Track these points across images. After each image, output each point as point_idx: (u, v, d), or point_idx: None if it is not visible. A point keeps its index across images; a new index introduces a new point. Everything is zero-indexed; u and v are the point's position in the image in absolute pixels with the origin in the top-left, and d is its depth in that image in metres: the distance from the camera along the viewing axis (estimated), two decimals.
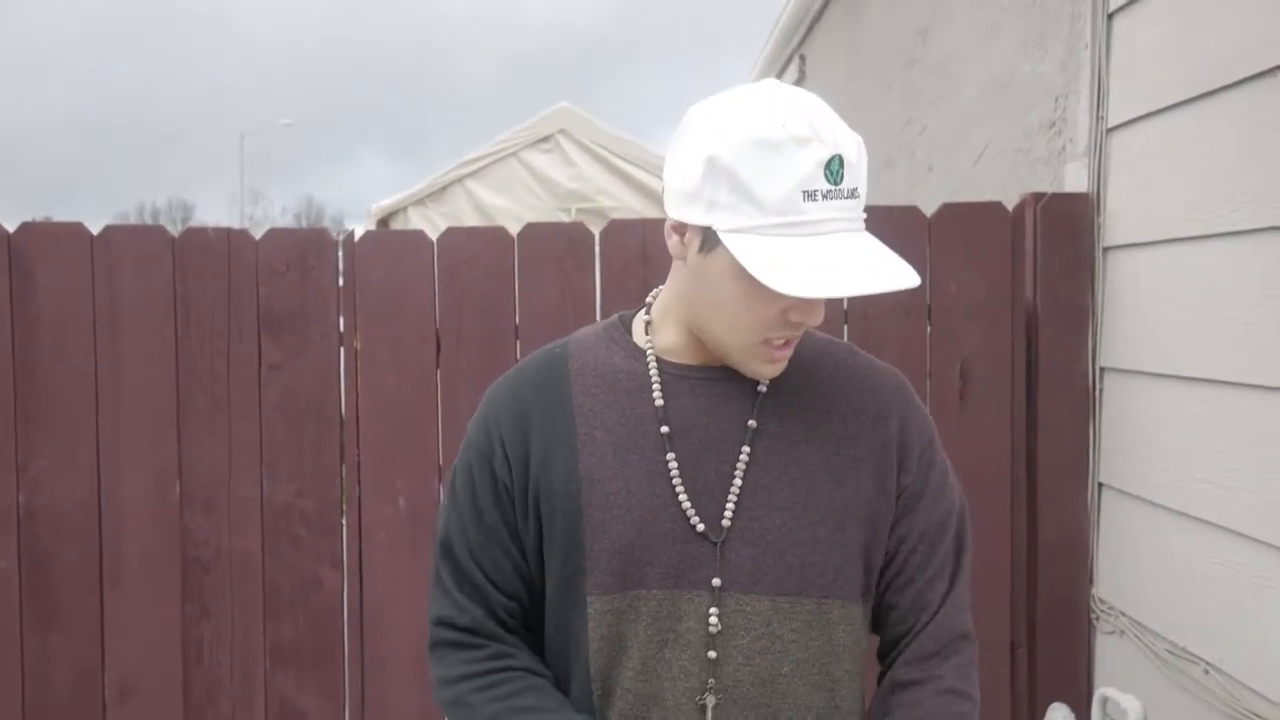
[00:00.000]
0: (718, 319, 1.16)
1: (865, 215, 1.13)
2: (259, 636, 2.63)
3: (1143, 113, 2.37)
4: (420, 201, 8.11)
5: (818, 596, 1.17)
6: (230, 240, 2.60)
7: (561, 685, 1.22)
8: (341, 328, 2.63)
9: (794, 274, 1.05)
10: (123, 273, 2.57)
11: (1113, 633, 2.53)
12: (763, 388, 1.21)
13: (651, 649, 1.16)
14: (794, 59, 7.27)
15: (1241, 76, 1.99)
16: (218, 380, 2.59)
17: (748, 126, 1.08)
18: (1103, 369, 2.60)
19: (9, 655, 2.57)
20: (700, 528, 1.15)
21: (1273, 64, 1.89)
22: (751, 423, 1.19)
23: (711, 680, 1.15)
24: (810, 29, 6.74)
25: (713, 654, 1.15)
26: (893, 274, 1.09)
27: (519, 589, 1.23)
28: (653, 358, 1.23)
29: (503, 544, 1.22)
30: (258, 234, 2.64)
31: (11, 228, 2.58)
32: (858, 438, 1.21)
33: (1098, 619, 2.61)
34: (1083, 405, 2.63)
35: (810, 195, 1.06)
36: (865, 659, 1.27)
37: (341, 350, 2.64)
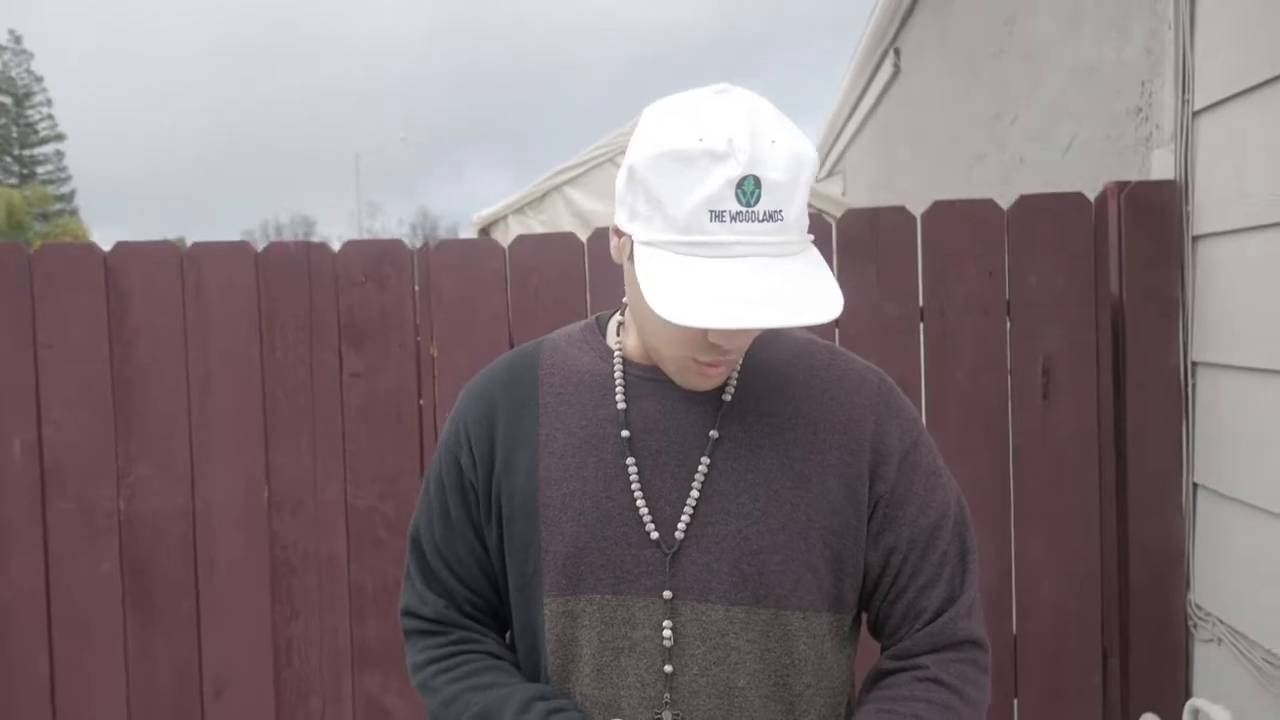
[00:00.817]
0: (648, 329, 1.13)
1: (804, 238, 1.05)
2: (346, 637, 2.69)
3: (1230, 94, 2.27)
4: (520, 210, 8.20)
5: (774, 606, 1.11)
6: (310, 253, 2.68)
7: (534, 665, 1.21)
8: (418, 335, 2.68)
9: (681, 299, 0.99)
10: (210, 287, 2.66)
11: (1210, 640, 2.43)
12: (728, 395, 1.17)
13: (607, 656, 1.13)
14: (889, 54, 7.14)
15: None
16: (301, 389, 2.67)
17: (666, 136, 1.03)
18: (1195, 363, 2.49)
19: (114, 652, 2.69)
20: (654, 535, 1.12)
21: None
22: (713, 433, 1.14)
23: (667, 695, 1.12)
24: (904, 22, 6.62)
25: (668, 668, 1.12)
26: (798, 308, 0.99)
27: (483, 584, 1.24)
28: (619, 359, 1.20)
29: (467, 541, 1.23)
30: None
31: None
32: (827, 443, 1.15)
33: (1195, 626, 2.50)
34: (1174, 402, 2.52)
35: (718, 216, 1.00)
36: (849, 676, 1.22)
37: (419, 357, 2.69)
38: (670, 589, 1.12)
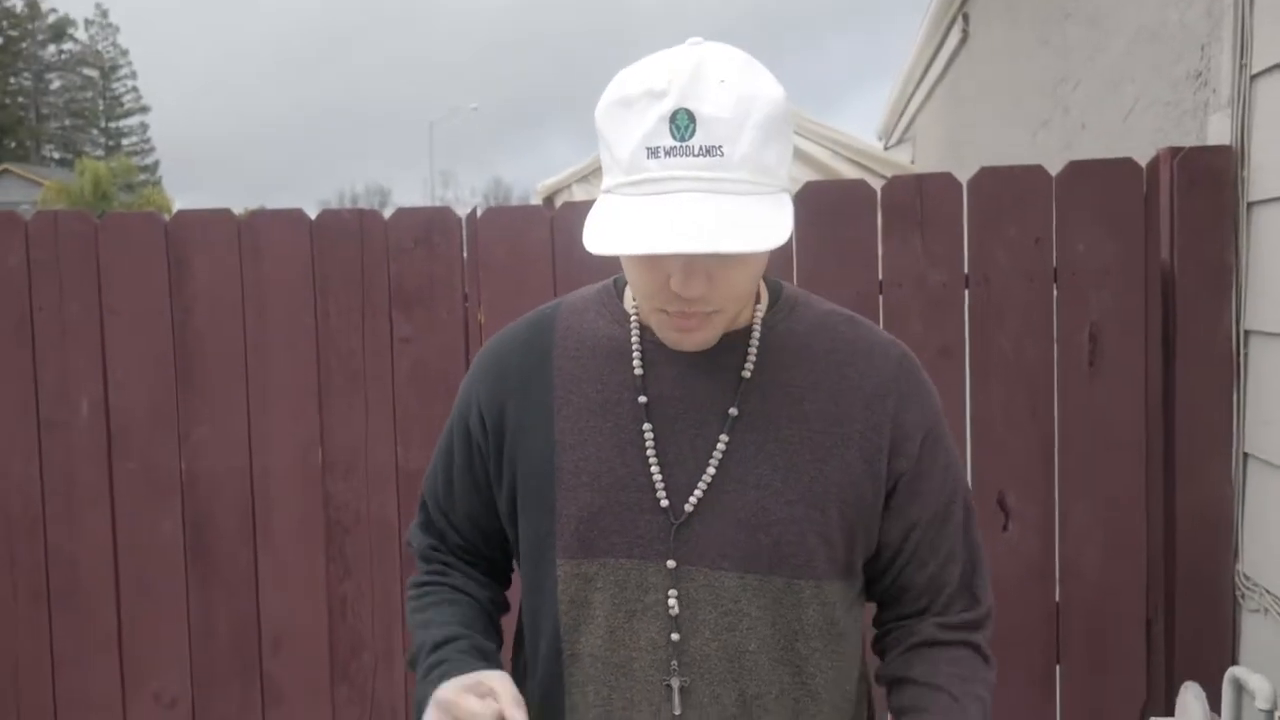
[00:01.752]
0: (630, 284, 1.16)
1: (759, 180, 1.03)
2: (397, 594, 2.77)
3: None
4: (584, 178, 8.24)
5: (788, 576, 1.12)
6: (363, 220, 2.74)
7: (533, 643, 1.23)
8: (466, 302, 2.73)
9: (606, 232, 1.01)
10: (267, 255, 2.74)
11: (1257, 610, 2.40)
12: (747, 371, 1.16)
13: (620, 618, 1.14)
14: (958, 18, 7.02)
15: None
16: (353, 354, 2.74)
17: (618, 85, 1.05)
18: (1247, 332, 2.44)
19: (177, 607, 2.80)
20: (664, 504, 1.13)
21: None
22: (733, 410, 1.14)
23: (675, 663, 1.13)
24: None
25: (675, 635, 1.13)
26: (715, 236, 0.98)
27: (475, 538, 1.32)
28: (636, 324, 1.20)
29: (466, 501, 1.29)
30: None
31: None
32: (849, 415, 1.15)
33: (1242, 596, 2.47)
34: (1225, 371, 2.48)
35: (653, 152, 1.01)
36: (858, 638, 1.24)
37: (467, 323, 2.74)
38: (675, 558, 1.13)
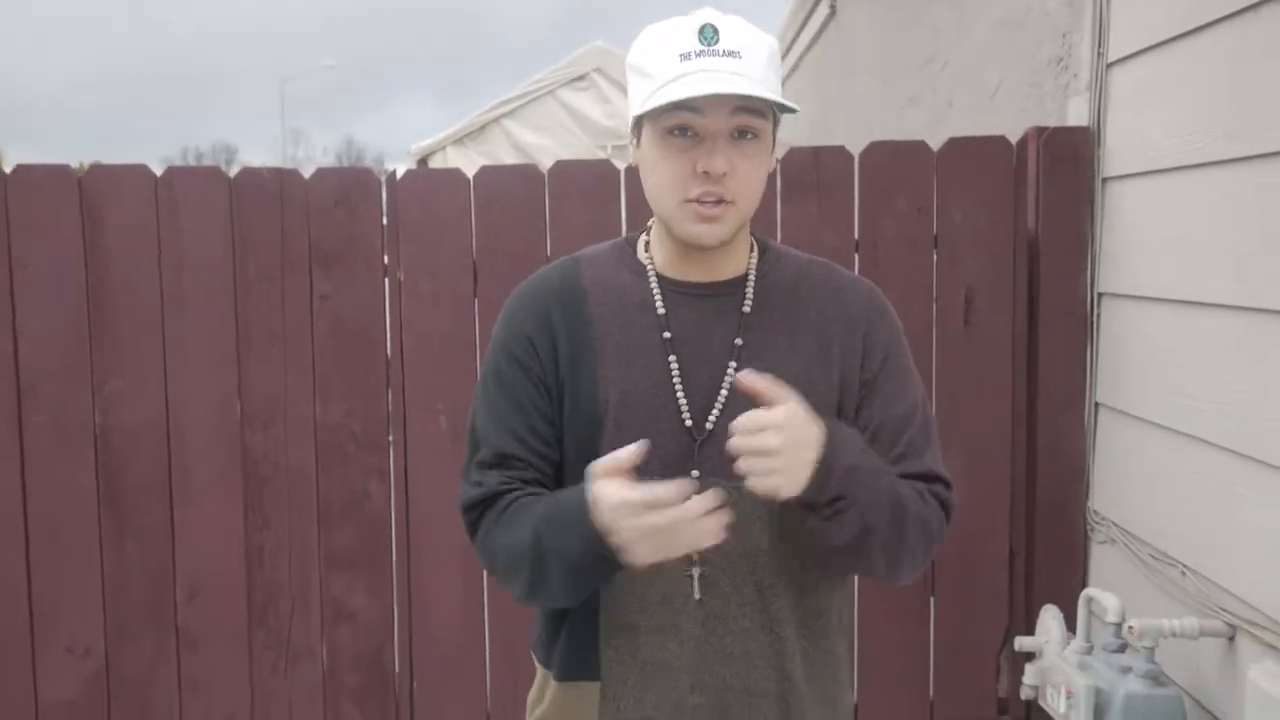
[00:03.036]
0: (656, 190, 1.33)
1: (770, 88, 1.27)
2: (314, 544, 2.87)
3: (1140, 48, 2.49)
4: (459, 141, 8.27)
5: None
6: (282, 179, 2.80)
7: None
8: (386, 261, 2.83)
9: (660, 97, 1.24)
10: (184, 211, 2.78)
11: (1105, 542, 2.71)
12: (747, 306, 1.36)
13: None
14: None
15: (1227, 12, 2.11)
16: (273, 310, 2.80)
17: (649, 30, 1.32)
18: (1100, 294, 2.74)
19: (90, 560, 2.83)
20: (689, 424, 1.32)
21: (1251, 1, 2.01)
22: (738, 340, 1.34)
23: (695, 555, 1.29)
24: None
25: None
26: (754, 87, 1.23)
27: (545, 464, 1.38)
28: (653, 273, 1.39)
29: (538, 419, 1.37)
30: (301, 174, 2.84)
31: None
32: (830, 342, 1.37)
33: (1092, 530, 2.78)
34: (1081, 329, 2.77)
35: (685, 56, 1.25)
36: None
37: (386, 281, 2.84)
38: (698, 468, 1.31)
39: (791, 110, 1.28)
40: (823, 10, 7.47)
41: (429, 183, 2.83)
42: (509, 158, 7.72)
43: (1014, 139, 2.84)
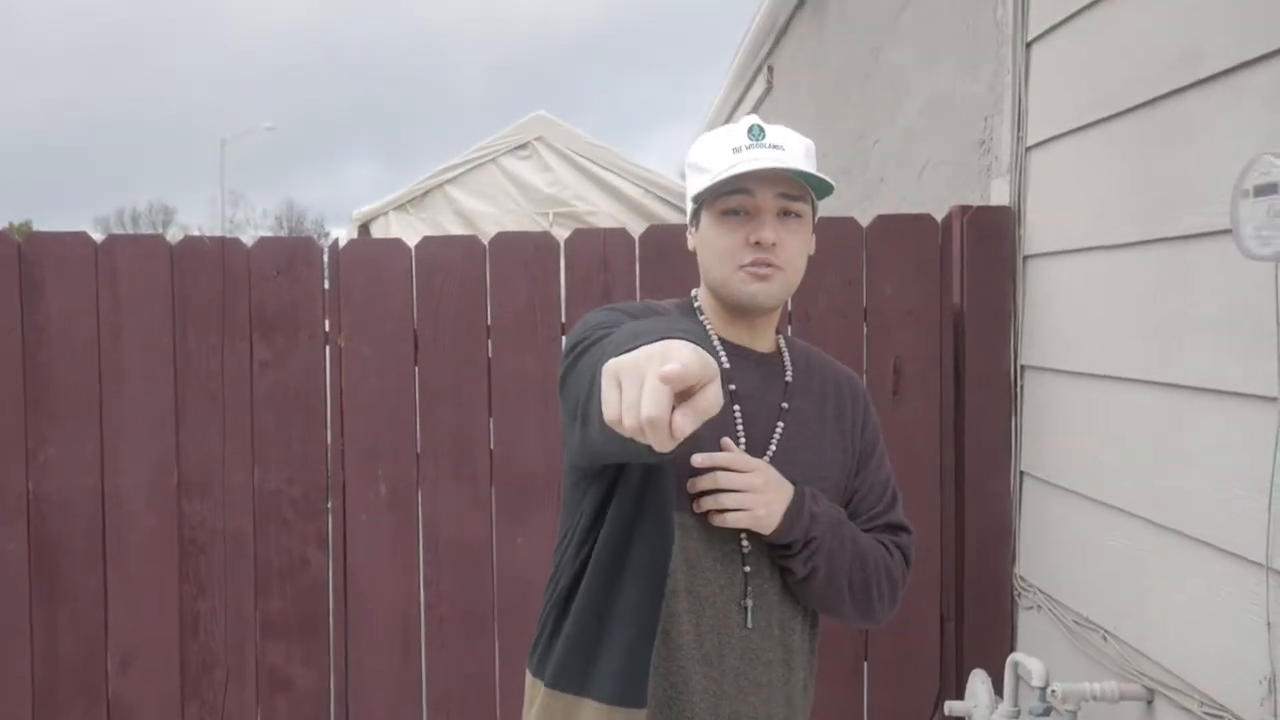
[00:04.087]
0: (712, 262, 1.52)
1: (798, 170, 1.45)
2: (250, 611, 2.85)
3: (1054, 134, 2.62)
4: (401, 206, 8.31)
5: None
6: (224, 247, 2.82)
7: (613, 579, 1.45)
8: (327, 328, 2.86)
9: (720, 180, 1.45)
10: (124, 278, 2.79)
11: (1031, 607, 2.78)
12: (789, 376, 1.58)
13: (709, 560, 1.47)
14: (763, 69, 7.51)
15: (1131, 105, 2.24)
16: (213, 376, 2.81)
17: (704, 136, 1.54)
18: (1023, 366, 2.85)
19: (19, 629, 2.78)
20: None
21: (1156, 94, 2.15)
22: (784, 404, 1.55)
23: (749, 587, 1.49)
24: (778, 40, 6.98)
25: (747, 568, 1.49)
26: (798, 165, 1.44)
27: None
28: (714, 334, 1.57)
29: None
30: (239, 236, 2.88)
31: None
32: (842, 416, 1.61)
33: (1019, 595, 2.86)
34: (1005, 400, 2.87)
35: (737, 149, 1.47)
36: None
37: (327, 349, 2.86)
38: None
39: (830, 188, 1.49)
40: (760, 85, 7.69)
41: (371, 251, 2.87)
42: (451, 224, 7.78)
43: (941, 215, 2.95)
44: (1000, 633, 2.89)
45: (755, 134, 1.47)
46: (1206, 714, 1.96)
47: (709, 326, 1.57)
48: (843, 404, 1.62)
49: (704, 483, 1.43)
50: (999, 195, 2.95)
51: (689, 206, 1.56)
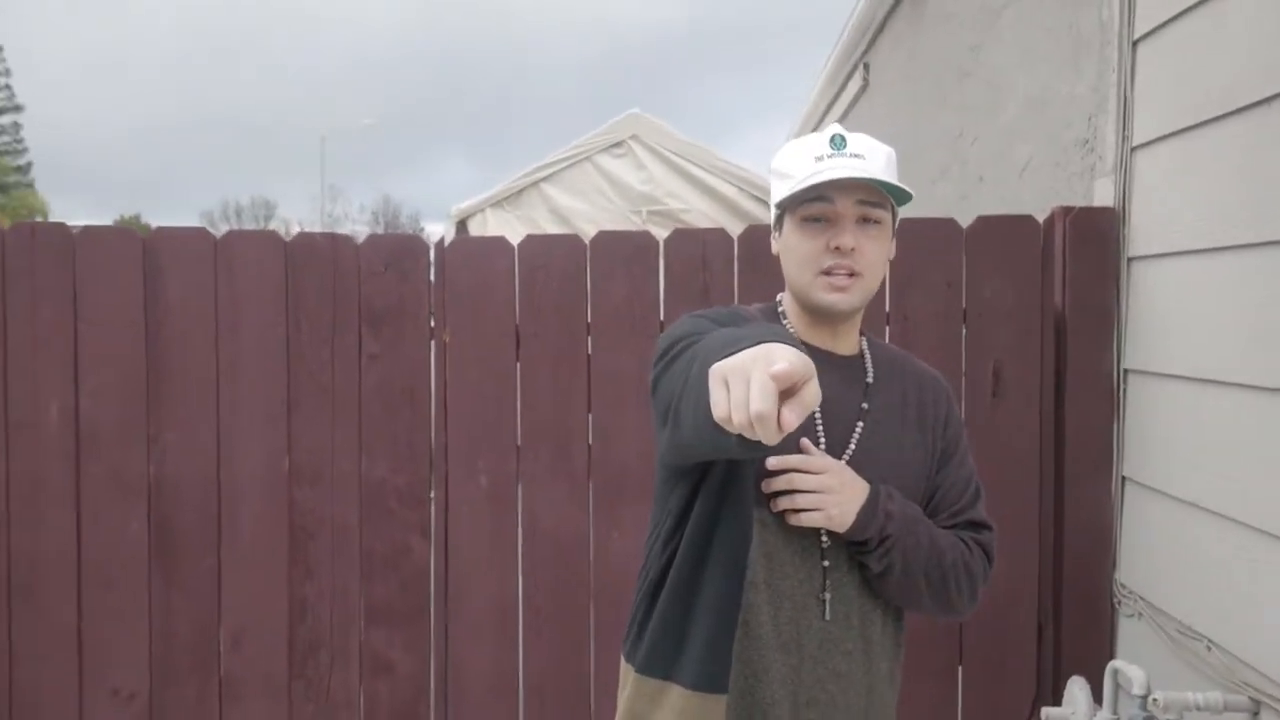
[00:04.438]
0: (793, 266, 1.58)
1: (877, 179, 1.51)
2: (356, 597, 2.95)
3: (1162, 134, 2.58)
4: (498, 204, 8.44)
5: None
6: (335, 244, 2.92)
7: (696, 570, 1.55)
8: (432, 323, 2.94)
9: (801, 187, 1.51)
10: (241, 272, 2.91)
11: (1132, 615, 2.75)
12: (870, 378, 1.64)
13: (787, 554, 1.54)
14: (859, 67, 7.46)
15: (1242, 104, 2.20)
16: (323, 368, 2.92)
17: (789, 144, 1.59)
18: (1126, 370, 2.80)
19: (139, 605, 2.92)
20: None
21: (1268, 94, 2.11)
22: (865, 405, 1.61)
23: (827, 580, 1.56)
24: (875, 38, 6.93)
25: (826, 563, 1.56)
26: (877, 175, 1.49)
27: None
28: (798, 338, 1.62)
29: None
30: (338, 231, 2.97)
31: (108, 223, 2.97)
32: (925, 414, 1.66)
33: (1119, 603, 2.82)
34: (1107, 404, 2.83)
35: (819, 158, 1.52)
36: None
37: (432, 344, 2.95)
38: None
39: (909, 196, 1.55)
40: (856, 82, 7.64)
41: (476, 249, 2.94)
42: (546, 221, 7.88)
43: (1041, 216, 2.92)
44: (1099, 640, 2.85)
45: (837, 143, 1.52)
46: None
47: (792, 330, 1.62)
48: (924, 403, 1.66)
49: (779, 483, 1.51)
50: (1103, 196, 2.91)
51: (773, 212, 1.63)
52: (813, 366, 1.05)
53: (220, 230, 2.95)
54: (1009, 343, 2.88)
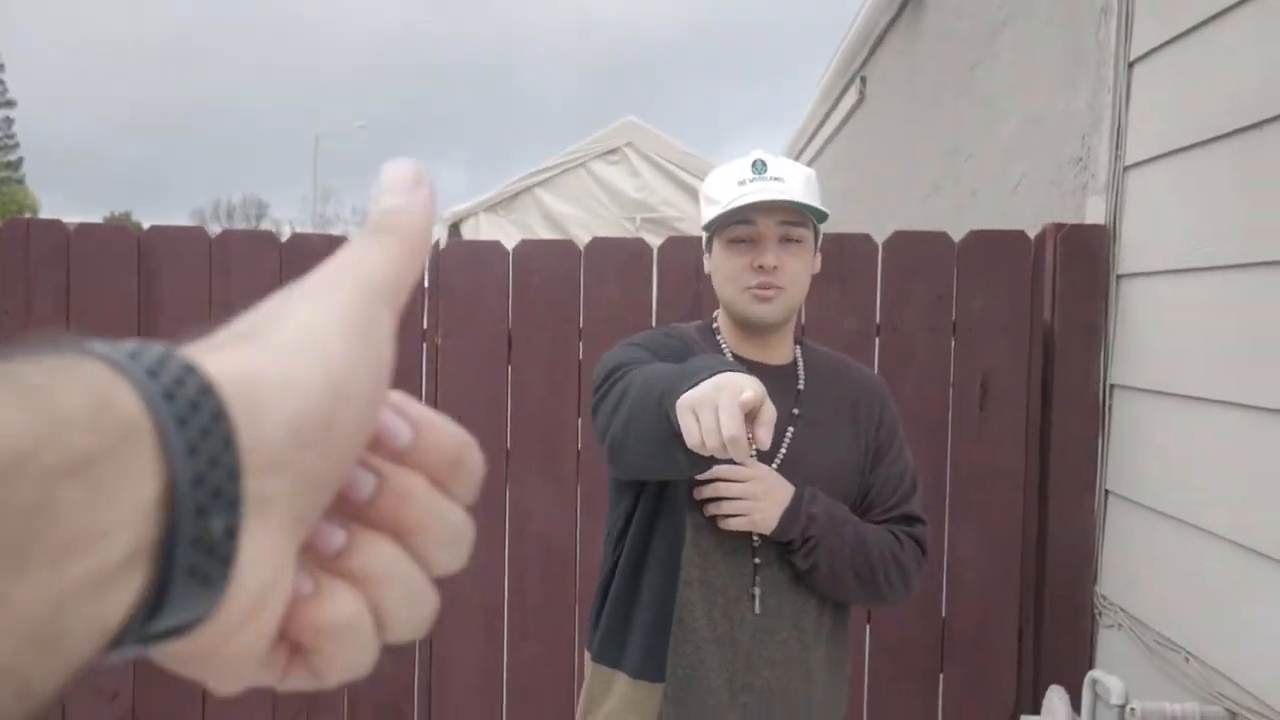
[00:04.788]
0: (722, 284, 1.71)
1: (812, 202, 1.64)
2: None
3: (1155, 154, 2.61)
4: (491, 208, 8.47)
5: None
6: (331, 245, 2.94)
7: (635, 574, 1.71)
8: (425, 325, 2.96)
9: (725, 211, 1.64)
10: (236, 271, 2.92)
11: (1112, 626, 2.77)
12: (801, 385, 1.76)
13: (717, 555, 1.66)
14: (855, 80, 7.50)
15: (1235, 127, 2.23)
16: None
17: (716, 170, 1.73)
18: (1112, 386, 2.83)
19: None
20: None
21: (1261, 118, 2.14)
22: (795, 410, 1.73)
23: (758, 577, 1.67)
24: (872, 52, 6.97)
25: (757, 560, 1.67)
26: (796, 199, 1.61)
27: None
28: (729, 350, 1.75)
29: None
30: (330, 232, 2.99)
31: (98, 220, 2.97)
32: (858, 415, 1.77)
33: (1100, 613, 2.85)
34: (1093, 418, 2.86)
35: (742, 182, 1.64)
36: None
37: (424, 345, 2.96)
38: None
39: (825, 215, 1.67)
40: (852, 95, 7.68)
41: (469, 253, 2.96)
42: (540, 226, 7.91)
43: (1033, 232, 2.95)
44: (1079, 650, 2.87)
45: (758, 168, 1.65)
46: None
47: (725, 345, 1.75)
48: (858, 406, 1.77)
49: (706, 491, 1.63)
50: (1094, 213, 2.94)
51: (703, 235, 1.75)
52: (763, 390, 1.20)
53: (212, 229, 2.96)
54: (998, 356, 2.90)
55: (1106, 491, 2.84)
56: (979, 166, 4.41)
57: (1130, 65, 2.77)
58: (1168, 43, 2.55)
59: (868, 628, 2.94)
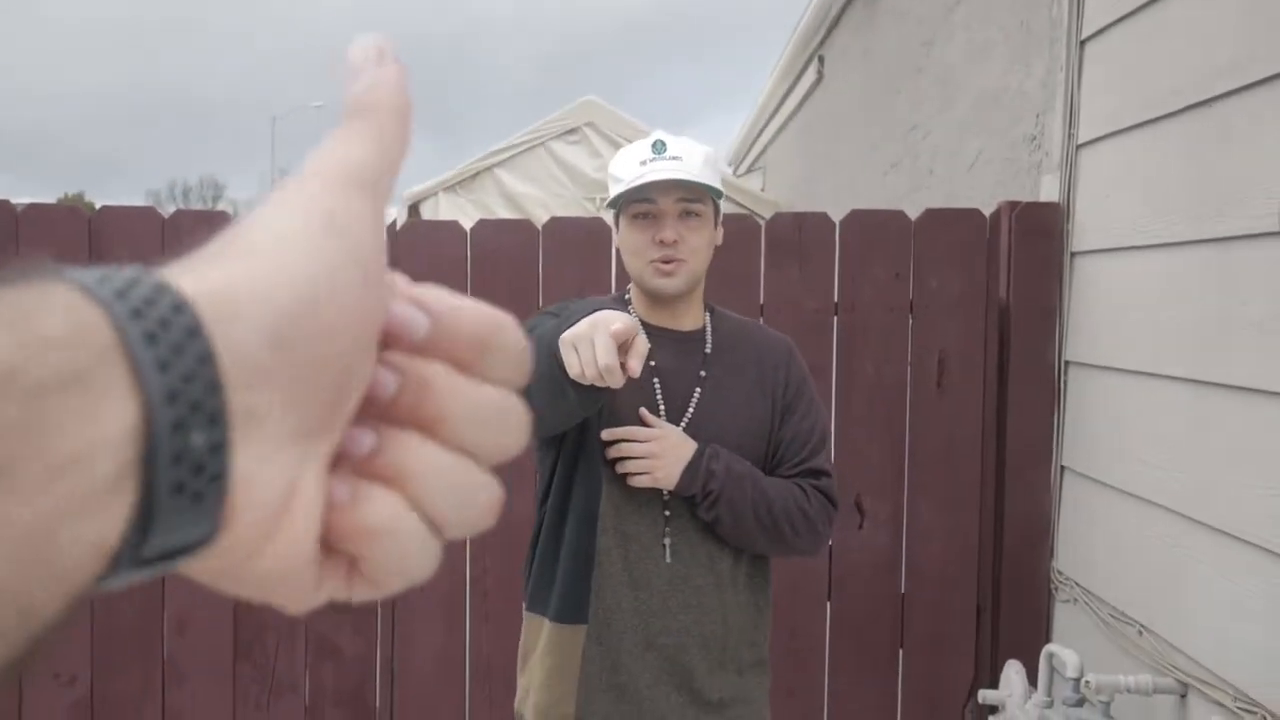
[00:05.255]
0: (628, 257, 1.82)
1: (710, 182, 1.77)
2: None
3: (1106, 132, 2.64)
4: (450, 188, 8.38)
5: None
6: None
7: (558, 523, 1.83)
8: None
9: (626, 190, 1.76)
10: (188, 251, 2.87)
11: (1068, 600, 2.81)
12: (708, 348, 1.86)
13: (632, 505, 1.79)
14: (814, 60, 7.50)
15: (1184, 105, 2.25)
16: None
17: (622, 150, 1.86)
18: (1067, 362, 2.86)
19: None
20: None
21: (1209, 95, 2.16)
22: (702, 373, 1.83)
23: (667, 528, 1.78)
24: (830, 32, 6.97)
25: (667, 513, 1.79)
26: (692, 177, 1.73)
27: None
28: (638, 319, 1.81)
29: None
30: None
31: (52, 202, 2.93)
32: (764, 376, 1.87)
33: (1056, 588, 2.89)
34: (1048, 395, 2.89)
35: (643, 162, 1.76)
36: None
37: None
38: None
39: (720, 192, 1.80)
40: (811, 75, 7.69)
41: (427, 233, 2.94)
42: (499, 206, 7.86)
43: (989, 210, 2.97)
44: (1036, 625, 2.91)
45: (658, 148, 1.77)
46: (1239, 708, 1.98)
47: (635, 314, 1.83)
48: (764, 366, 1.86)
49: (611, 451, 1.75)
50: (1049, 191, 2.96)
51: (610, 212, 1.86)
52: (637, 323, 1.38)
53: (168, 210, 2.91)
54: (954, 334, 2.93)
55: (1063, 467, 2.88)
56: (936, 144, 4.43)
57: (1082, 43, 2.79)
58: (1118, 21, 2.57)
59: (828, 604, 2.96)
